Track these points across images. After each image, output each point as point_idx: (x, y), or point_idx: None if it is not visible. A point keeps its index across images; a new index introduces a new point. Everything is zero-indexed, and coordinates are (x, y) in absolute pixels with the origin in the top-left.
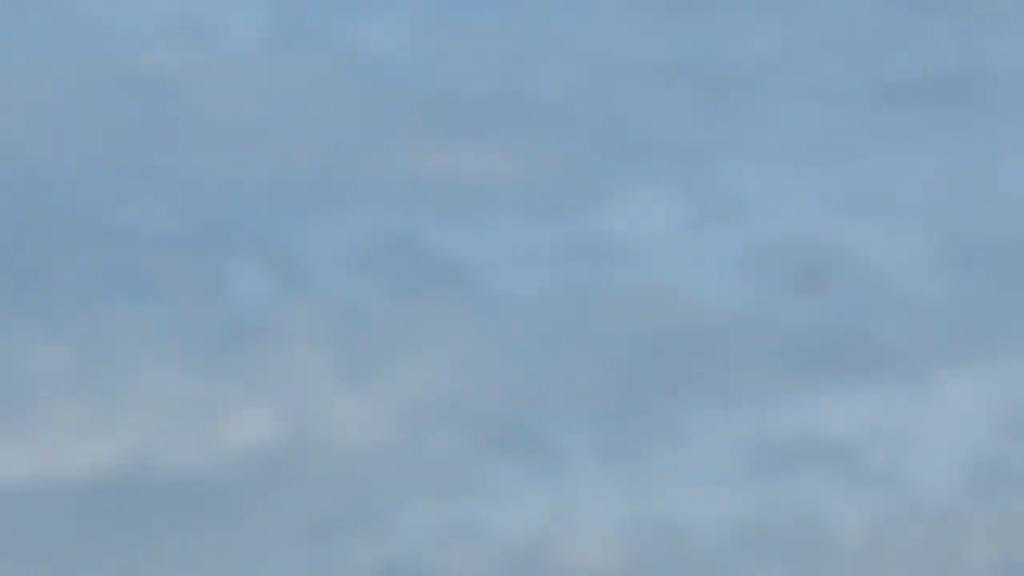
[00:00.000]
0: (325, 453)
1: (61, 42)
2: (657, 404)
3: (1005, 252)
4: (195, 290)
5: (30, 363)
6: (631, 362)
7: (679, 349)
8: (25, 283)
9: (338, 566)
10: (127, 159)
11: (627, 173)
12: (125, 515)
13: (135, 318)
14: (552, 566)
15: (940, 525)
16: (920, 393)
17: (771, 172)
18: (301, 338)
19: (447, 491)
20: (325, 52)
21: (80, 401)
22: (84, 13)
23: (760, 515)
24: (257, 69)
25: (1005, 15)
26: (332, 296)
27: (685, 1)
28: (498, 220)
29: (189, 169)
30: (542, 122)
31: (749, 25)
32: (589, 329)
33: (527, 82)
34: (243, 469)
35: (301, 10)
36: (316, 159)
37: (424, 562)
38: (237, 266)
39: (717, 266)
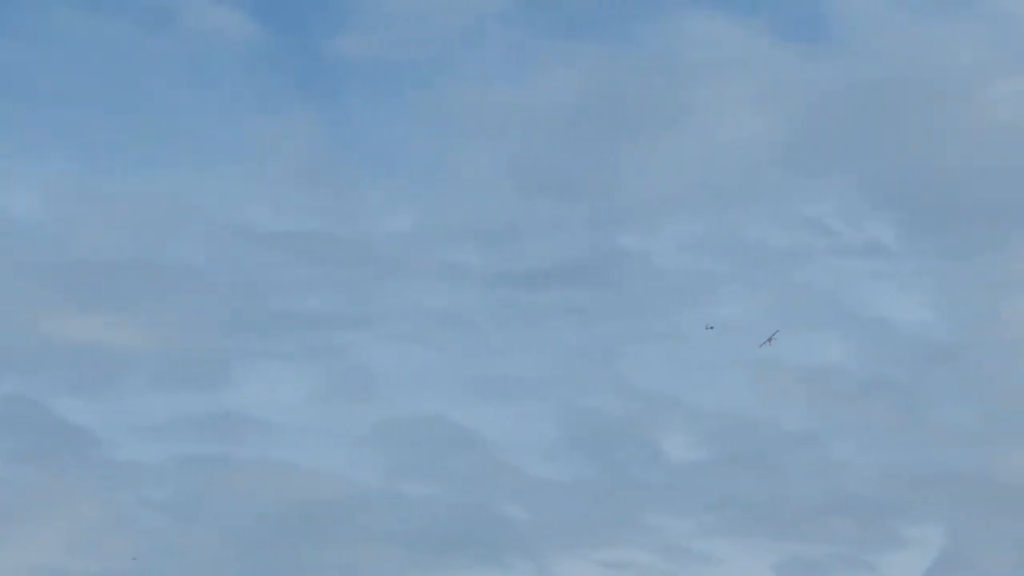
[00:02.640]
0: None
1: None
2: None
3: (626, 436)
4: None
5: None
6: (256, 536)
7: (304, 524)
8: None
9: None
10: None
11: (259, 346)
12: None
13: None
14: None
15: None
16: None
17: (401, 349)
18: None
19: None
20: None
21: None
22: None
23: None
24: None
25: (634, 208)
26: None
27: (322, 175)
28: (128, 390)
29: None
30: (177, 291)
31: (386, 202)
32: (214, 501)
33: (162, 250)
34: None
35: None
36: None
37: None
38: None
39: (344, 441)
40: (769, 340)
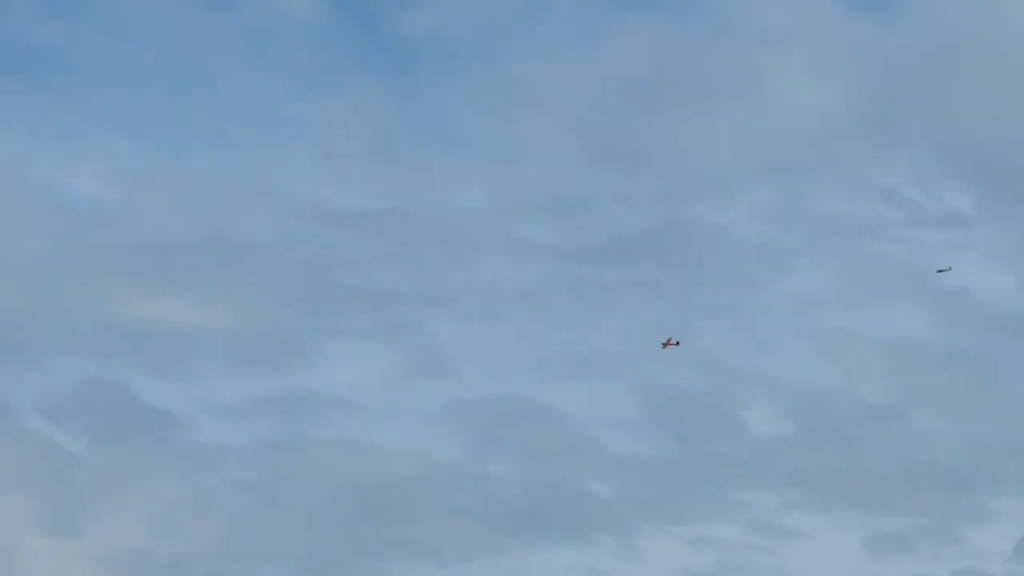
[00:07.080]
0: None
1: None
2: (363, 558)
3: (706, 411)
4: None
5: None
6: (337, 515)
7: (385, 503)
8: None
9: None
10: None
11: (332, 325)
12: None
13: None
14: None
15: None
16: (628, 552)
17: (476, 326)
18: (4, 483)
19: None
20: (30, 196)
21: None
22: None
23: None
24: None
25: (705, 179)
26: (36, 441)
27: (390, 152)
28: (205, 370)
29: None
30: (248, 270)
31: (455, 179)
32: (294, 482)
33: (233, 229)
34: None
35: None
36: (21, 304)
37: None
38: None
39: (422, 420)
40: (947, 268)
